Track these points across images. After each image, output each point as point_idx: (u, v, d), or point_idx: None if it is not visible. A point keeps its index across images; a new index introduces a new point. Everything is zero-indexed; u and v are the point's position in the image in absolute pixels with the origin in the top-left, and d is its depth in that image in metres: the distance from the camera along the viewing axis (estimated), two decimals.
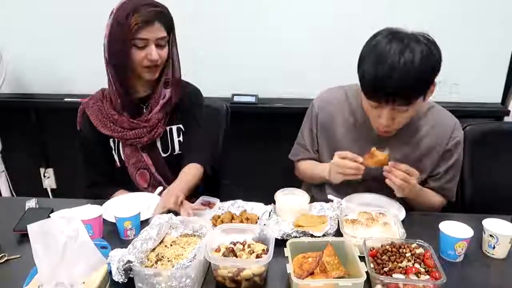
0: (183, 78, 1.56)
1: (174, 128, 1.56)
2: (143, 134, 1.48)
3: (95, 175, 1.57)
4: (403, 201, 1.42)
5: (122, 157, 1.53)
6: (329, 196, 1.42)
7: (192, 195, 1.61)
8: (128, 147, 1.52)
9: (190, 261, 1.02)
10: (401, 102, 1.20)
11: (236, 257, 1.06)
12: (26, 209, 1.38)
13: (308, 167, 1.60)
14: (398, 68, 1.15)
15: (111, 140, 1.53)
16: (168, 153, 1.56)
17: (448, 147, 1.43)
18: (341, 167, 1.33)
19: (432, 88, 1.27)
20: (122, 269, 0.99)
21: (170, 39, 1.43)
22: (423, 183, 1.47)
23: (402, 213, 1.34)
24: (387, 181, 1.30)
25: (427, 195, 1.45)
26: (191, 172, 1.51)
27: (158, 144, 1.55)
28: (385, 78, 1.16)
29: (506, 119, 2.25)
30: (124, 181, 1.56)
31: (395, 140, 1.42)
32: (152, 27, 1.35)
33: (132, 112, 1.49)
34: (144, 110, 1.51)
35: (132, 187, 1.55)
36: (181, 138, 1.57)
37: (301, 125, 1.63)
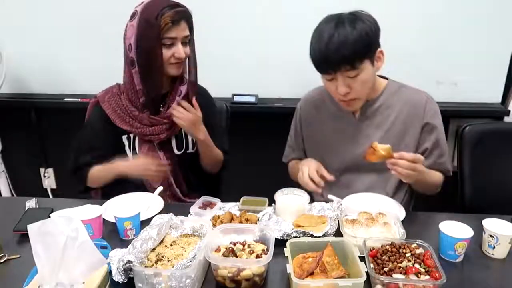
0: None
1: None
2: (162, 130, 1.52)
3: (87, 157, 1.55)
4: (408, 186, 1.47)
5: (138, 155, 1.54)
6: (329, 196, 1.43)
7: (193, 194, 1.63)
8: (145, 145, 1.53)
9: (190, 261, 1.02)
10: (347, 68, 1.30)
11: (236, 257, 1.06)
12: (26, 209, 1.39)
13: (293, 167, 1.66)
14: (334, 39, 1.28)
15: (124, 136, 1.54)
16: (182, 151, 1.60)
17: (425, 120, 1.46)
18: (300, 179, 1.41)
19: (379, 55, 1.36)
20: (122, 269, 0.99)
21: (191, 37, 1.50)
22: None
23: (402, 213, 1.34)
24: (393, 172, 1.30)
25: (432, 176, 1.47)
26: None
27: (173, 142, 1.58)
28: (325, 49, 1.29)
29: (506, 119, 2.25)
30: (132, 180, 1.55)
31: (373, 122, 1.49)
32: (179, 26, 1.42)
33: (152, 110, 1.52)
34: (161, 109, 1.54)
35: (138, 186, 1.54)
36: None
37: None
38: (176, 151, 1.58)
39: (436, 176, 1.50)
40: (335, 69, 1.31)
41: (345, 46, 1.27)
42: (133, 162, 1.52)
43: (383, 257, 1.07)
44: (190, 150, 1.61)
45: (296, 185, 1.48)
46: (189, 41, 1.49)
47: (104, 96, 1.55)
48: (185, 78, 1.55)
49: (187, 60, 1.52)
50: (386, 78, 1.52)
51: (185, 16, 1.44)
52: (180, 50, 1.44)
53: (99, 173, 1.54)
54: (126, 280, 1.01)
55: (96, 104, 1.55)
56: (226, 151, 1.71)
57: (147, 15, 1.39)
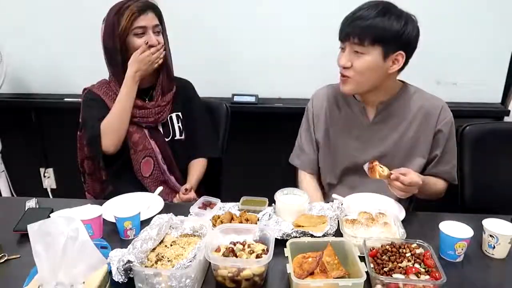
0: (184, 77, 1.63)
1: (173, 115, 1.66)
2: (151, 114, 1.58)
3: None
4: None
5: (129, 144, 1.57)
6: (334, 195, 1.43)
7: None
8: (135, 134, 1.57)
9: (190, 261, 1.02)
10: (355, 40, 1.33)
11: (236, 257, 1.06)
12: (26, 209, 1.39)
13: (304, 181, 1.62)
14: (362, 11, 1.34)
15: None
16: (170, 138, 1.65)
17: (438, 127, 1.46)
18: None
19: (397, 57, 1.35)
20: (122, 269, 0.99)
21: (162, 28, 1.56)
22: (423, 170, 1.50)
23: (402, 213, 1.34)
24: (389, 187, 1.33)
25: (431, 186, 1.46)
26: (197, 169, 1.70)
27: (160, 129, 1.63)
28: (347, 18, 1.37)
29: (506, 119, 2.25)
30: (124, 173, 1.60)
31: (387, 125, 1.48)
32: (147, 15, 1.49)
33: (138, 99, 1.57)
34: (147, 101, 1.60)
35: (130, 175, 1.59)
36: (180, 124, 1.67)
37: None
38: (164, 139, 1.63)
39: (438, 186, 1.50)
40: (346, 37, 1.35)
41: (364, 20, 1.31)
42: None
43: (383, 257, 1.07)
44: (178, 137, 1.66)
45: (297, 185, 1.48)
46: (161, 32, 1.55)
47: (94, 85, 1.62)
48: (170, 67, 1.63)
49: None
50: (403, 82, 1.50)
51: (151, 6, 1.51)
52: (152, 37, 1.50)
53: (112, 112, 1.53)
54: (126, 280, 1.01)
55: (87, 91, 1.61)
56: (208, 152, 1.74)
57: (112, 10, 1.50)
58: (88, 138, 1.55)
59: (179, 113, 1.68)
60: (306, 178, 1.62)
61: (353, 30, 1.33)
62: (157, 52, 1.51)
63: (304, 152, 1.62)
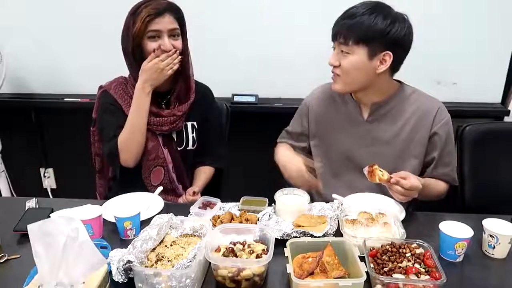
0: None
1: (189, 124, 1.61)
2: (166, 123, 1.53)
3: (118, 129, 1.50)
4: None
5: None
6: (334, 196, 1.43)
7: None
8: (149, 142, 1.53)
9: (190, 261, 1.02)
10: (341, 40, 1.36)
11: (236, 257, 1.06)
12: (26, 209, 1.39)
13: (279, 152, 1.62)
14: (349, 12, 1.35)
15: None
16: (182, 147, 1.61)
17: (434, 129, 1.45)
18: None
19: (384, 58, 1.34)
20: (122, 269, 0.99)
21: (182, 32, 1.49)
22: (421, 173, 1.50)
23: (402, 213, 1.34)
24: (390, 191, 1.32)
25: (431, 188, 1.46)
26: (204, 175, 1.70)
27: (174, 137, 1.60)
28: (339, 17, 1.38)
29: (506, 119, 2.25)
30: (132, 180, 1.58)
31: (381, 125, 1.48)
32: (163, 19, 1.41)
33: (153, 106, 1.52)
34: (163, 106, 1.56)
35: (138, 182, 1.57)
36: (194, 135, 1.63)
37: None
38: (177, 147, 1.60)
39: (439, 187, 1.49)
40: (334, 37, 1.38)
41: (350, 19, 1.32)
42: None
43: (383, 257, 1.07)
44: (190, 147, 1.63)
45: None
46: (180, 35, 1.48)
47: (111, 85, 1.56)
48: (189, 75, 1.56)
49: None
50: (400, 82, 1.50)
51: (169, 8, 1.43)
52: (166, 42, 1.42)
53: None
54: (126, 280, 1.01)
55: (103, 92, 1.56)
56: (218, 163, 1.74)
57: (130, 12, 1.44)
58: (106, 154, 1.54)
59: (195, 123, 1.62)
60: (282, 147, 1.65)
61: (340, 30, 1.35)
62: (168, 58, 1.42)
63: (289, 135, 1.67)
